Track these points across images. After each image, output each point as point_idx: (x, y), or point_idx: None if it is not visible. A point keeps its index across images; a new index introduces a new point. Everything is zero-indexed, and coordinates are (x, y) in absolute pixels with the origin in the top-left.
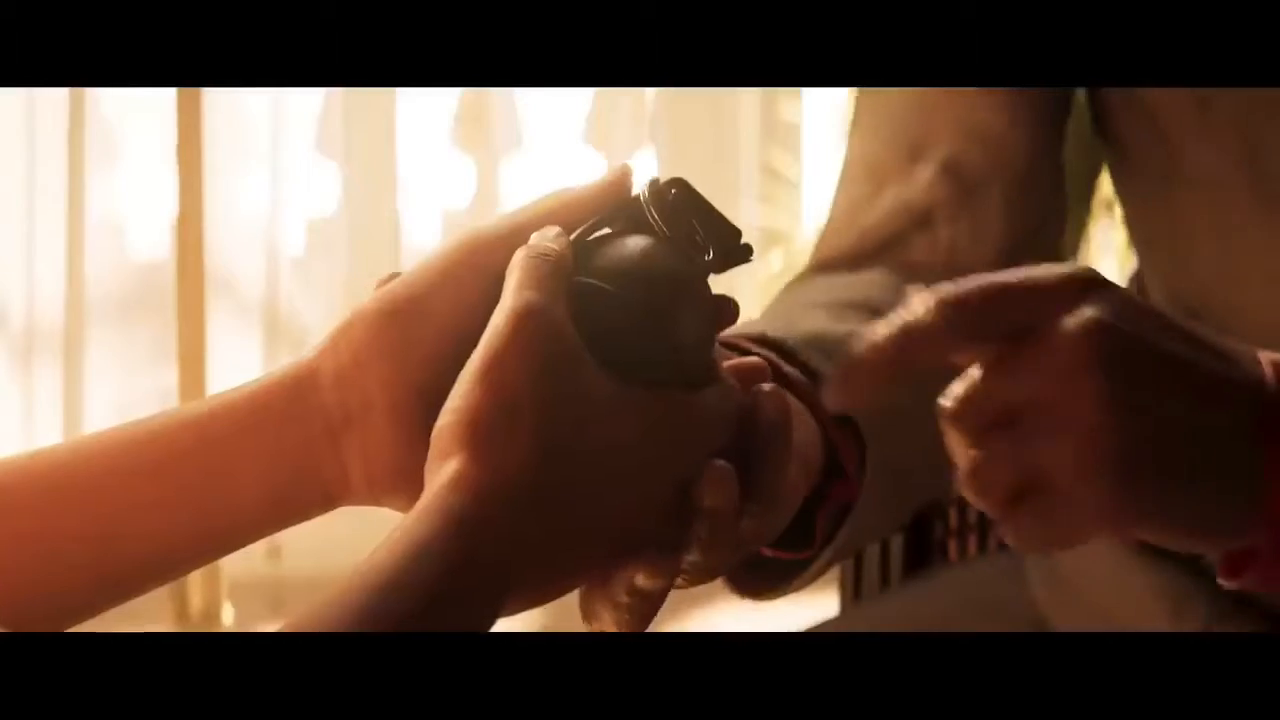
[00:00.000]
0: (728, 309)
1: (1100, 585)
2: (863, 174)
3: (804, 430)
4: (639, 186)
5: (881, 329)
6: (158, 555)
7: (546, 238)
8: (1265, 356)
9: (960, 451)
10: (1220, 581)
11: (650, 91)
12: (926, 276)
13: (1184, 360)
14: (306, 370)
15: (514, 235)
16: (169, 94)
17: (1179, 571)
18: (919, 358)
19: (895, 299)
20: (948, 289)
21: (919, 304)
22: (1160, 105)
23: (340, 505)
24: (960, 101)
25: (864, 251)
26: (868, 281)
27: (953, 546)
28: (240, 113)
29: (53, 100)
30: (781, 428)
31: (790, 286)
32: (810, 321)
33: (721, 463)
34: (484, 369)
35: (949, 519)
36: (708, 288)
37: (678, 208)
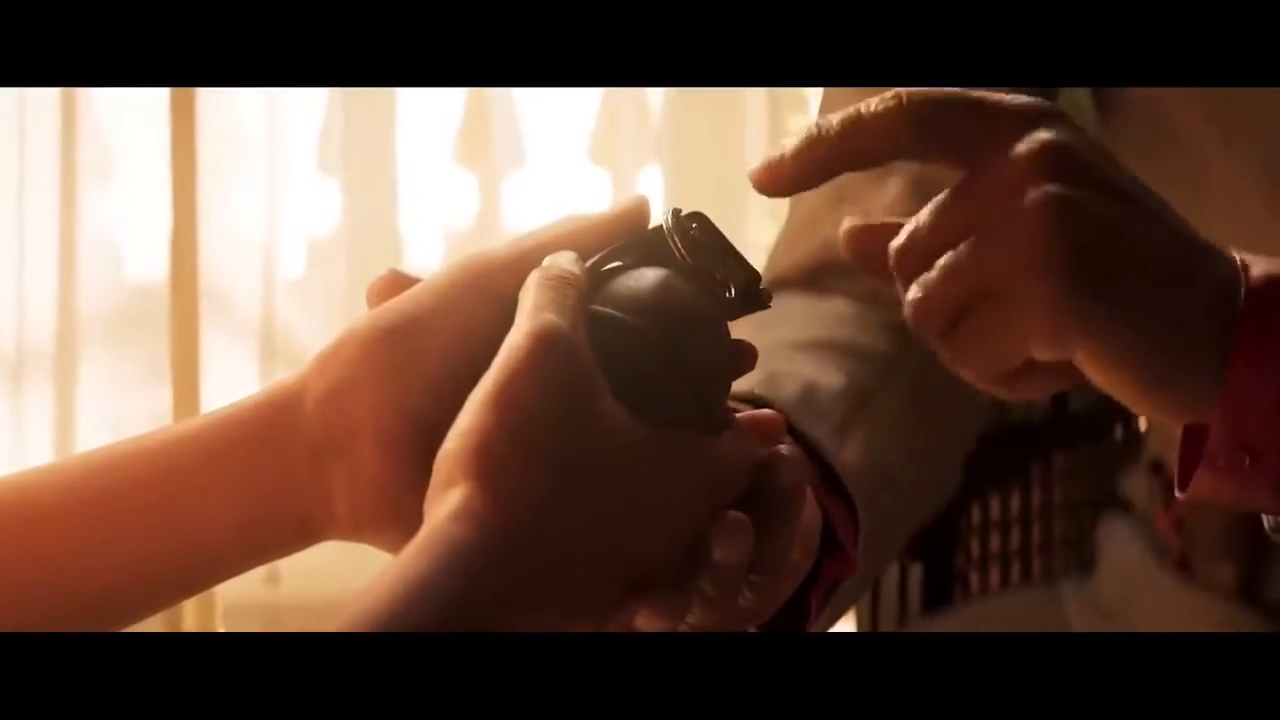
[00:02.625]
0: (747, 353)
1: (1148, 616)
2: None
3: (807, 505)
4: (658, 218)
5: (835, 117)
6: (117, 593)
7: (561, 262)
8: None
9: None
10: (1177, 494)
11: (655, 106)
12: (888, 300)
13: (1141, 190)
14: (291, 391)
15: (523, 260)
16: (163, 110)
17: (1231, 602)
18: (867, 148)
19: (866, 336)
20: (909, 90)
21: (877, 98)
22: (1183, 124)
23: (322, 539)
24: None
25: (825, 262)
26: (836, 315)
27: (974, 579)
28: (237, 129)
29: (45, 116)
30: (796, 493)
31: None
32: (793, 377)
33: (737, 514)
34: (497, 391)
35: (970, 550)
36: (728, 328)
37: (699, 242)
